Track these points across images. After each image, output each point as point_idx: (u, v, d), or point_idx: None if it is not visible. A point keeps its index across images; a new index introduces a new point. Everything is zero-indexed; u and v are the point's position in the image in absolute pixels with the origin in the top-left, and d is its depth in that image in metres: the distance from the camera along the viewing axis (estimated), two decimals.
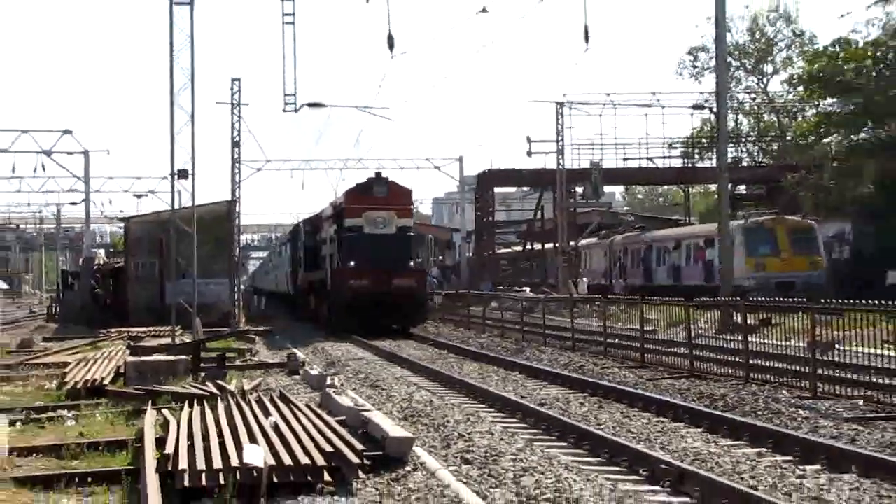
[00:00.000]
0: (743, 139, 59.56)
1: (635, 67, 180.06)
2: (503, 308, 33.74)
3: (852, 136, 40.17)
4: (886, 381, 13.63)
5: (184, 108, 25.91)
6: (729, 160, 34.91)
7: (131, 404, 14.18)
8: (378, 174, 33.22)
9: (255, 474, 8.47)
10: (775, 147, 57.21)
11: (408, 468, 9.42)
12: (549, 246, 52.85)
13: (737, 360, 17.10)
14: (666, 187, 73.54)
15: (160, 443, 10.10)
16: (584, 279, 46.20)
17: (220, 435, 9.99)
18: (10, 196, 71.75)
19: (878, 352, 14.17)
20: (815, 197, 41.18)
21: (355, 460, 9.09)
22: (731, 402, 13.98)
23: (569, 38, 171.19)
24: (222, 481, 8.39)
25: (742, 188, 53.72)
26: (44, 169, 51.67)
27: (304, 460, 8.88)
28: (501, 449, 10.44)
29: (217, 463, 8.75)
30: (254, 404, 12.32)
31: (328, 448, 9.29)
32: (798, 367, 15.40)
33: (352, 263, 30.84)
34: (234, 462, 8.68)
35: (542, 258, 56.62)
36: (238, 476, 8.45)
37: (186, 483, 8.44)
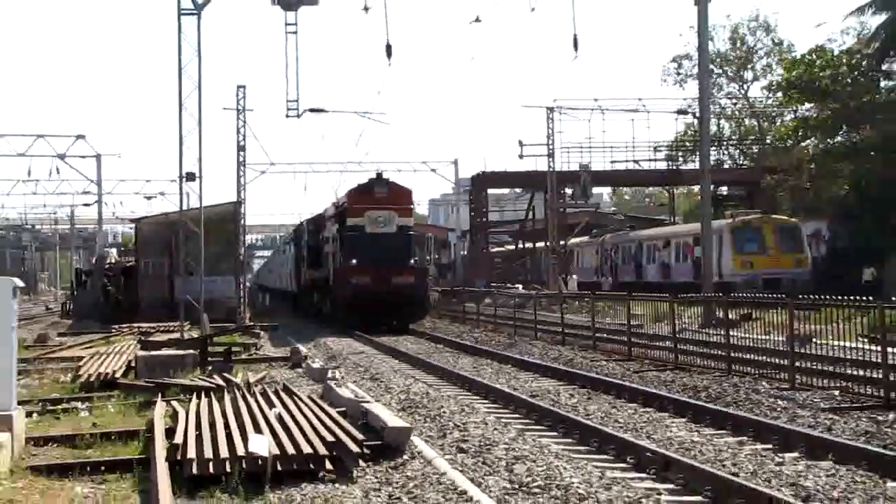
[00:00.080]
0: (725, 143, 59.58)
1: (622, 74, 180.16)
2: (496, 304, 33.71)
3: (828, 140, 40.18)
4: (861, 372, 13.65)
5: (192, 113, 25.97)
6: (711, 163, 34.90)
7: (142, 396, 14.16)
8: (379, 175, 32.97)
9: (260, 463, 8.48)
10: (755, 150, 57.20)
11: (406, 457, 9.41)
12: (540, 245, 52.85)
13: (719, 353, 17.12)
14: (651, 189, 73.43)
15: (169, 433, 10.10)
16: (574, 276, 46.19)
17: (227, 425, 9.99)
18: (27, 198, 71.25)
19: (853, 345, 14.20)
20: (793, 198, 41.22)
21: (355, 449, 9.09)
22: (713, 394, 13.99)
23: (559, 46, 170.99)
24: (229, 469, 8.39)
25: (724, 189, 53.73)
26: (58, 172, 51.82)
27: (307, 449, 8.88)
28: (495, 438, 10.44)
29: (224, 452, 8.75)
30: (258, 396, 12.32)
31: (330, 438, 9.29)
32: (777, 360, 15.44)
33: (353, 261, 30.69)
34: (240, 451, 8.68)
35: (533, 256, 56.63)
36: (244, 464, 8.46)
37: (195, 471, 8.45)
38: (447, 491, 8.07)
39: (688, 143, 55.55)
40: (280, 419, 10.30)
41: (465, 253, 59.96)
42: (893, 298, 14.56)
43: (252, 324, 30.11)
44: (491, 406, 13.89)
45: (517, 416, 12.91)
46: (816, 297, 15.50)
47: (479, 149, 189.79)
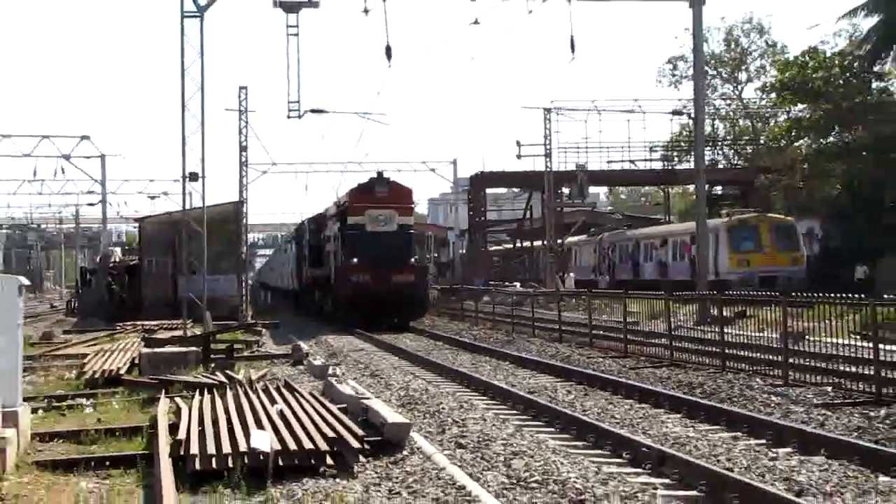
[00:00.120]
0: (719, 143, 59.56)
1: (618, 76, 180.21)
2: (495, 302, 33.71)
3: (821, 140, 40.15)
4: (853, 369, 13.66)
5: (194, 114, 25.92)
6: (706, 163, 34.90)
7: (146, 393, 14.16)
8: (380, 174, 32.72)
9: (262, 458, 8.48)
10: (749, 150, 57.16)
11: (405, 452, 9.41)
12: (537, 243, 52.83)
13: (714, 350, 17.12)
14: (647, 188, 73.47)
15: (173, 429, 10.08)
16: (572, 274, 46.18)
17: (229, 421, 9.99)
18: (32, 198, 71.36)
19: (846, 341, 14.22)
20: (786, 197, 41.19)
21: (356, 445, 9.09)
22: (708, 390, 14.00)
23: (556, 48, 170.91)
24: (231, 465, 8.39)
25: (718, 189, 53.71)
26: (63, 172, 51.72)
27: (308, 445, 8.88)
28: (493, 434, 10.43)
29: (226, 448, 8.75)
30: (260, 393, 12.32)
31: (331, 434, 9.29)
32: (771, 357, 15.44)
33: (354, 260, 30.63)
34: (243, 447, 8.68)
35: (531, 255, 56.61)
36: (246, 460, 8.45)
37: (198, 466, 8.44)
38: (446, 486, 8.07)
39: (683, 144, 55.52)
40: (282, 415, 10.30)
41: (464, 251, 59.92)
42: (885, 296, 14.52)
43: (254, 321, 30.09)
44: (489, 402, 13.88)
45: (515, 412, 12.91)
46: (809, 294, 15.51)
47: (478, 149, 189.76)
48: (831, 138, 39.53)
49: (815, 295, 15.13)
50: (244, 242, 38.84)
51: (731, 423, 11.22)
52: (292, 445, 8.87)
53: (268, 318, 33.41)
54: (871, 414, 11.46)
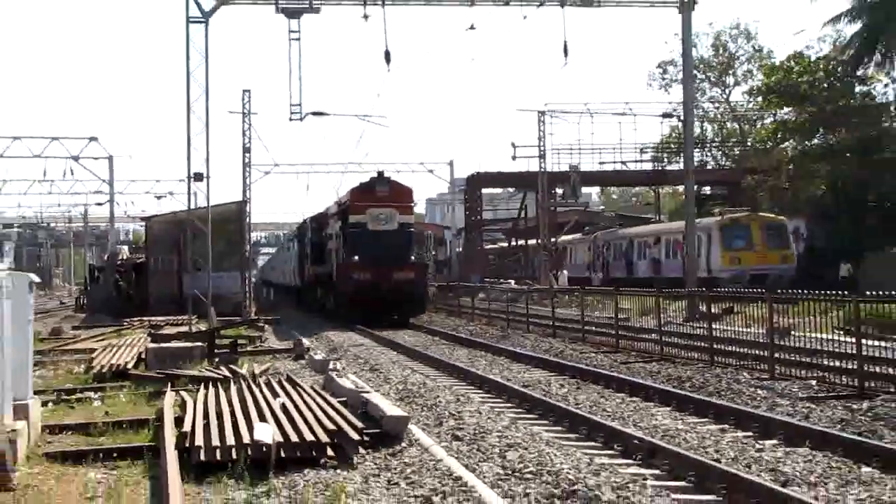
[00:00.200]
0: (707, 145, 59.58)
1: (610, 80, 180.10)
2: (490, 299, 33.69)
3: (806, 143, 40.23)
4: (836, 363, 13.68)
5: (199, 116, 25.91)
6: (695, 164, 34.92)
7: (152, 386, 14.14)
8: (381, 174, 32.43)
9: (264, 450, 8.47)
10: (737, 152, 57.21)
11: (404, 444, 9.41)
12: (532, 242, 52.82)
13: (702, 345, 17.14)
14: (638, 188, 73.42)
15: (178, 421, 10.09)
16: (565, 272, 46.13)
17: (233, 414, 9.98)
18: (42, 198, 71.25)
19: (830, 337, 14.24)
20: (772, 197, 41.22)
21: (356, 437, 9.09)
22: (696, 384, 14.00)
23: (550, 53, 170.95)
24: (235, 456, 8.39)
25: (707, 189, 53.76)
26: (72, 173, 51.73)
27: (310, 437, 8.87)
28: (489, 427, 10.44)
29: (230, 440, 8.75)
30: (263, 386, 12.31)
31: (331, 426, 9.29)
32: (757, 352, 15.45)
33: (355, 258, 30.52)
34: (246, 439, 8.67)
35: (525, 253, 56.59)
36: (249, 451, 8.45)
37: (202, 458, 8.44)
38: (443, 477, 8.07)
39: (672, 145, 55.55)
40: (284, 408, 10.29)
41: (461, 250, 59.89)
42: (868, 293, 14.54)
43: (257, 317, 30.04)
44: (485, 396, 13.88)
45: (510, 405, 12.91)
46: (794, 291, 15.53)
47: (474, 150, 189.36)
48: (816, 140, 39.61)
49: (800, 292, 15.15)
50: (247, 241, 38.81)
51: (719, 415, 11.22)
52: (294, 437, 8.86)
53: (270, 315, 33.36)
54: (854, 407, 11.47)
